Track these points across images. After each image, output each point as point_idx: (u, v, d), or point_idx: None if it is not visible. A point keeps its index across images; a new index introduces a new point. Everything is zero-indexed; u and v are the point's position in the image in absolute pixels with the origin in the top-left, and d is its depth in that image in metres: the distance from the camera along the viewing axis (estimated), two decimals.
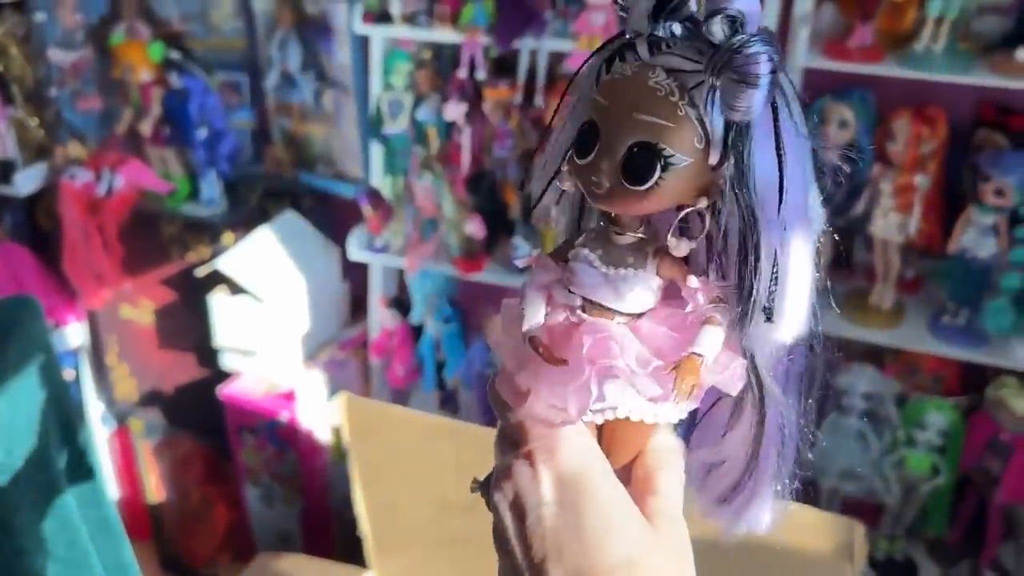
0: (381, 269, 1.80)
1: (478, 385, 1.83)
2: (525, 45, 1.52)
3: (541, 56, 1.53)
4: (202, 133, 1.79)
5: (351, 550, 1.56)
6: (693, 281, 0.52)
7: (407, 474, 1.43)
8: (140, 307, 1.93)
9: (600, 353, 0.52)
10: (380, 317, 1.83)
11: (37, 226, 2.03)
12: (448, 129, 1.65)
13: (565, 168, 0.54)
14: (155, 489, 2.12)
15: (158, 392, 2.04)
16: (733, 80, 0.46)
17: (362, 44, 1.68)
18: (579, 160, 0.51)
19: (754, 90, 0.47)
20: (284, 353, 1.81)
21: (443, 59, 1.66)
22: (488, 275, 1.67)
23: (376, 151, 1.73)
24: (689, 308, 0.52)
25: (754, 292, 0.50)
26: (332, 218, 1.93)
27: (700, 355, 0.50)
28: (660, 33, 0.49)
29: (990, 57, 1.36)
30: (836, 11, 1.47)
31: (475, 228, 1.64)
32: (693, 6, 0.49)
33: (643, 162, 0.48)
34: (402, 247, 1.72)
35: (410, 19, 1.58)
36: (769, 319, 0.49)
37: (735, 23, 0.47)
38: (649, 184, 0.48)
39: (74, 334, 2.03)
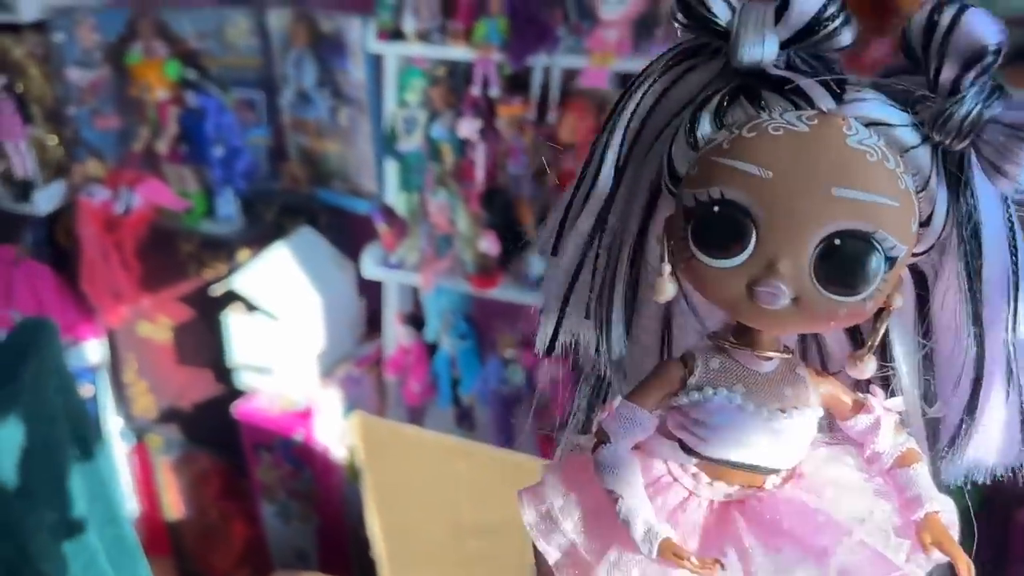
0: (396, 286, 1.80)
1: (494, 402, 1.82)
2: (538, 62, 1.52)
3: (554, 73, 1.53)
4: (218, 151, 1.80)
5: (367, 568, 1.55)
6: (875, 404, 0.39)
7: (421, 494, 1.42)
8: (158, 324, 1.94)
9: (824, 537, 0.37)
10: (395, 334, 1.83)
11: (56, 244, 2.05)
12: (462, 146, 1.65)
13: (667, 268, 0.38)
14: (173, 505, 2.13)
15: (176, 409, 2.04)
16: (1019, 137, 0.34)
17: (376, 61, 1.68)
18: (710, 258, 0.35)
19: None
20: (299, 370, 1.81)
21: (457, 76, 1.66)
22: (503, 291, 1.66)
23: (391, 168, 1.73)
24: (882, 444, 0.39)
25: (974, 411, 0.38)
26: (347, 234, 1.93)
27: (938, 511, 0.37)
28: (799, 67, 0.36)
29: (1011, 69, 1.34)
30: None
31: (489, 244, 1.63)
32: (850, 33, 0.36)
33: (857, 260, 0.34)
34: (417, 263, 1.72)
35: (424, 37, 1.58)
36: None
37: (978, 61, 0.34)
38: (868, 291, 0.34)
39: (93, 351, 2.04)
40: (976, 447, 0.40)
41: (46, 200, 1.90)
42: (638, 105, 0.38)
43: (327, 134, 1.84)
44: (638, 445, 0.39)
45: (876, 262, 0.34)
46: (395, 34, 1.60)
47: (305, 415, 1.80)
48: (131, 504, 2.09)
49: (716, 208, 0.34)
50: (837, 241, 0.33)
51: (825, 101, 0.35)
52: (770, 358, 0.38)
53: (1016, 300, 0.37)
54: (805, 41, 0.35)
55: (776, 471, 0.39)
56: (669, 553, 0.36)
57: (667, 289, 0.38)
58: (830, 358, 0.42)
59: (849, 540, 0.37)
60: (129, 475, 2.14)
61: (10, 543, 1.10)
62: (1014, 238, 0.37)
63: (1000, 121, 0.34)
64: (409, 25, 1.57)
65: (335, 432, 1.83)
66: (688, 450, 0.39)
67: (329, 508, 1.87)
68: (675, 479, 0.39)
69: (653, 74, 0.39)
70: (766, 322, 0.36)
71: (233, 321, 1.77)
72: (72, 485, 1.23)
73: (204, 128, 1.77)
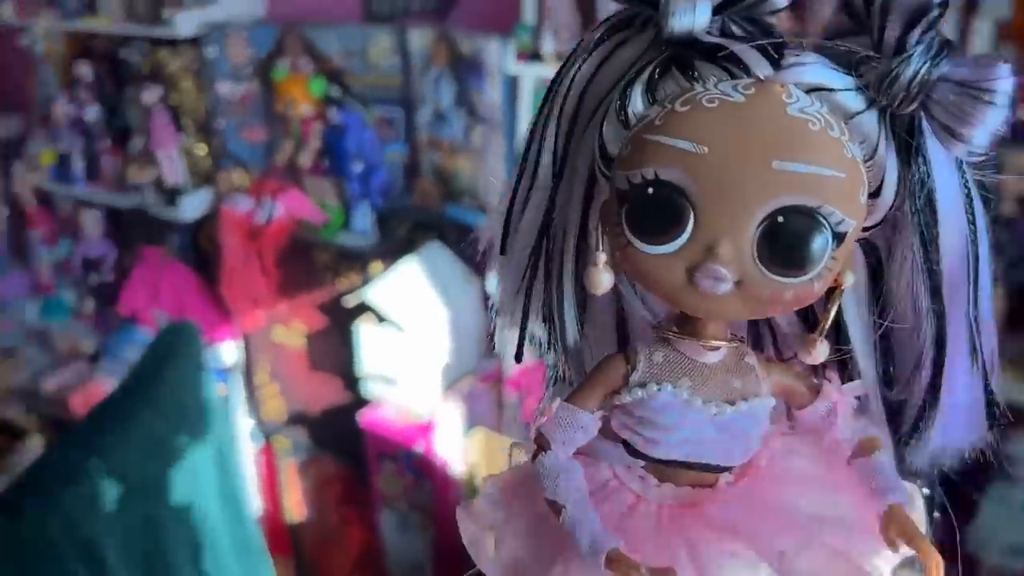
0: None
1: None
2: None
3: None
4: (358, 166, 1.85)
5: None
6: (832, 390, 0.37)
7: None
8: (292, 330, 2.01)
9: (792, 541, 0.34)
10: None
11: (199, 249, 2.15)
12: None
13: (601, 257, 0.35)
14: (295, 507, 2.19)
15: (304, 413, 2.11)
16: (974, 97, 0.31)
17: (513, 82, 1.69)
18: (647, 245, 0.33)
19: (1001, 109, 0.32)
20: (424, 383, 1.83)
21: None
22: None
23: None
24: (841, 431, 0.37)
25: (937, 392, 0.36)
26: (475, 250, 1.95)
27: (903, 501, 0.35)
28: (735, 34, 0.33)
29: None
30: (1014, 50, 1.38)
31: None
32: None
33: (802, 237, 0.31)
34: None
35: (561, 58, 1.58)
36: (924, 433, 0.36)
37: (921, 18, 0.31)
38: (816, 270, 0.32)
39: (228, 352, 2.13)
40: (941, 430, 0.37)
41: (193, 207, 1.99)
42: (571, 86, 0.36)
43: (460, 152, 1.86)
44: (581, 449, 0.37)
45: (823, 239, 0.31)
46: (533, 56, 1.61)
47: (427, 428, 1.82)
48: (256, 503, 2.16)
49: (650, 190, 0.32)
50: (780, 219, 0.31)
51: (762, 67, 0.32)
52: (716, 347, 0.36)
53: (976, 271, 0.35)
54: (738, 5, 0.33)
55: (728, 469, 0.37)
56: (618, 565, 0.33)
57: (602, 280, 0.35)
58: (784, 342, 0.39)
59: (809, 541, 0.35)
60: (255, 475, 2.22)
61: (149, 537, 1.15)
62: (971, 204, 0.35)
63: (951, 79, 0.32)
64: (548, 47, 1.58)
65: (455, 446, 1.85)
66: (634, 452, 0.37)
67: (446, 522, 1.89)
68: (622, 483, 0.37)
69: (584, 52, 0.36)
70: (709, 309, 0.34)
71: (363, 331, 1.81)
72: (205, 483, 1.28)
73: (345, 144, 1.82)
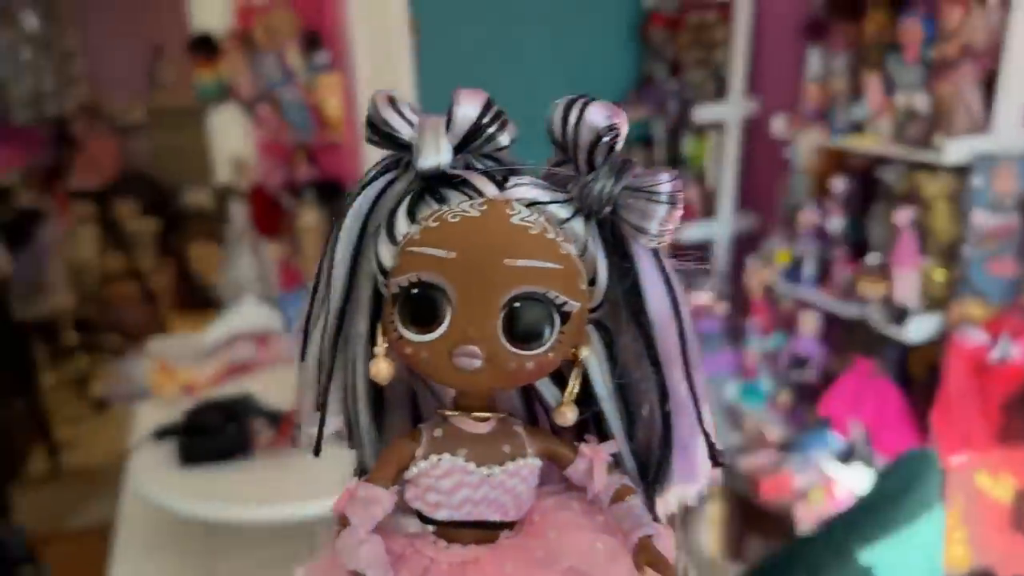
0: None
1: None
2: None
3: None
4: None
5: None
6: (587, 449, 0.44)
7: None
8: (999, 481, 1.85)
9: None
10: None
11: (909, 371, 2.11)
12: None
13: (380, 350, 0.42)
14: None
15: (990, 572, 1.92)
16: (648, 199, 0.40)
17: None
18: (416, 335, 0.40)
19: (674, 208, 0.40)
20: None
21: None
22: None
23: None
24: (598, 484, 0.43)
25: (670, 442, 0.43)
26: None
27: (652, 533, 0.41)
28: (476, 167, 0.42)
29: None
30: None
31: None
32: (506, 135, 0.42)
33: (535, 317, 0.39)
34: None
35: None
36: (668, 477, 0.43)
37: (599, 142, 0.40)
38: (550, 343, 0.40)
39: None
40: (681, 475, 0.44)
41: (918, 329, 1.96)
42: (356, 213, 0.43)
43: None
44: (382, 526, 0.42)
45: (551, 317, 0.39)
46: None
47: None
48: None
49: (415, 290, 0.39)
50: (517, 304, 0.39)
51: (489, 189, 0.41)
52: (486, 419, 0.42)
53: (683, 337, 0.42)
54: (471, 145, 0.42)
55: (506, 524, 0.42)
56: None
57: (381, 369, 0.41)
58: (552, 414, 0.45)
59: (561, 569, 0.40)
60: None
61: None
62: (670, 286, 0.42)
63: (639, 188, 0.40)
64: None
65: None
66: (424, 518, 0.42)
67: None
68: (416, 550, 0.42)
69: (360, 187, 0.43)
70: (469, 382, 0.40)
71: None
72: None
73: None
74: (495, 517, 0.43)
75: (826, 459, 2.22)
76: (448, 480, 0.42)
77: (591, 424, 0.45)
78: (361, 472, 0.48)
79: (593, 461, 0.44)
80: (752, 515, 2.27)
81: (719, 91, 2.68)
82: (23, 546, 1.33)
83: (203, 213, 4.80)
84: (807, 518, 2.11)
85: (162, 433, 1.39)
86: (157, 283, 4.17)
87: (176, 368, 1.65)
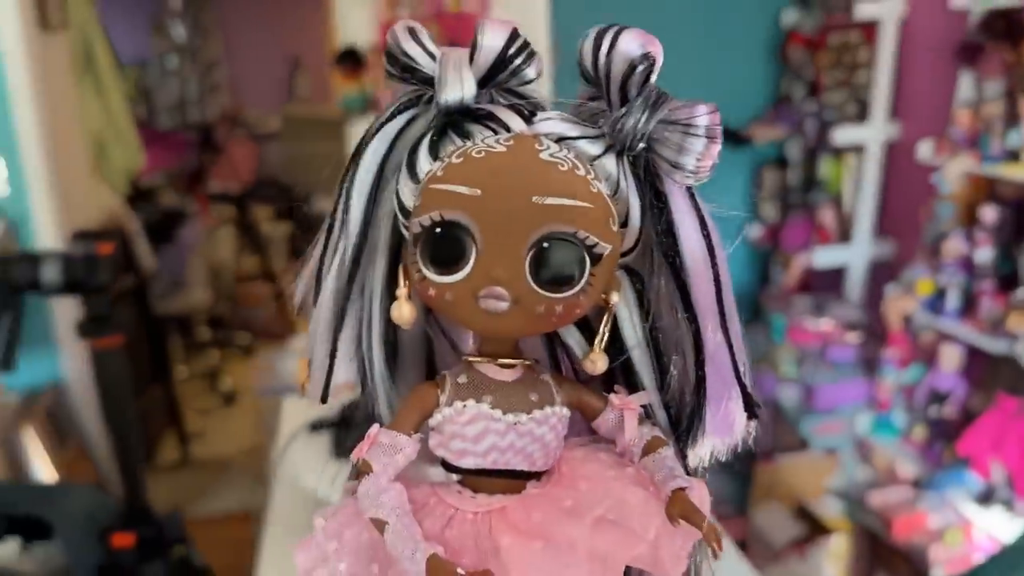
0: None
1: None
2: None
3: None
4: None
5: None
6: (616, 400, 0.42)
7: None
8: None
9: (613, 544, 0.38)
10: None
11: None
12: None
13: (403, 291, 0.40)
14: None
15: None
16: (682, 132, 0.37)
17: None
18: (440, 276, 0.38)
19: (712, 142, 0.37)
20: None
21: None
22: None
23: None
24: (628, 436, 0.41)
25: (704, 394, 0.40)
26: None
27: (686, 486, 0.39)
28: (501, 100, 0.40)
29: None
30: None
31: None
32: (533, 69, 0.40)
33: (565, 258, 0.38)
34: None
35: None
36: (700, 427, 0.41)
37: (633, 73, 0.37)
38: (580, 286, 0.38)
39: None
40: (713, 427, 0.41)
41: None
42: (374, 152, 0.41)
43: None
44: (405, 475, 0.40)
45: (581, 259, 0.37)
46: None
47: None
48: None
49: (438, 230, 0.37)
50: (545, 244, 0.37)
51: (516, 123, 0.39)
52: (512, 366, 0.41)
53: (719, 283, 0.39)
54: (496, 79, 0.39)
55: (533, 475, 0.41)
56: (437, 569, 0.36)
57: (404, 312, 0.40)
58: (579, 364, 0.43)
59: (591, 519, 0.38)
60: None
61: None
62: (706, 228, 0.39)
63: (675, 121, 0.37)
64: None
65: None
66: (449, 467, 0.41)
67: None
68: (440, 499, 0.41)
69: (377, 126, 0.41)
70: (496, 326, 0.38)
71: None
72: None
73: None
74: (522, 466, 0.41)
75: (963, 500, 2.12)
76: (473, 427, 0.41)
77: (619, 374, 0.44)
78: (374, 420, 0.46)
79: (624, 412, 0.42)
80: (882, 552, 2.19)
81: (860, 113, 2.61)
82: (179, 528, 1.40)
83: None
84: (942, 560, 2.02)
85: (317, 426, 1.45)
86: (287, 285, 4.33)
87: None
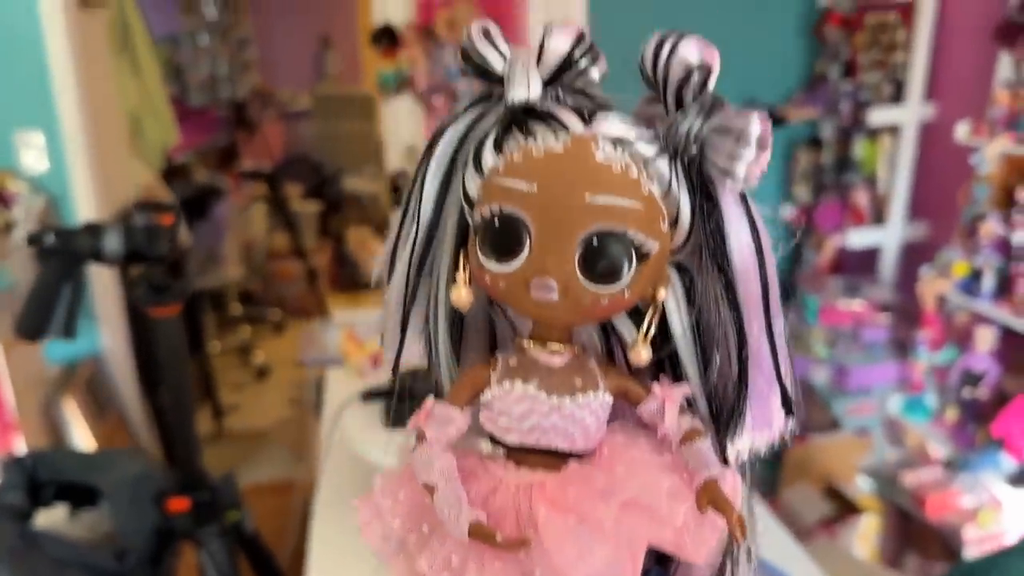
0: None
1: None
2: None
3: None
4: None
5: None
6: (659, 389, 0.44)
7: None
8: None
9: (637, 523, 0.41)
10: None
11: None
12: None
13: (461, 277, 0.43)
14: None
15: None
16: (734, 140, 0.38)
17: None
18: (496, 265, 0.41)
19: (762, 151, 0.38)
20: None
21: None
22: None
23: None
24: (668, 424, 0.43)
25: (745, 389, 0.42)
26: None
27: (717, 477, 0.40)
28: (566, 100, 0.41)
29: None
30: None
31: None
32: (597, 70, 0.42)
33: (612, 255, 0.40)
34: None
35: None
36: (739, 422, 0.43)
37: (689, 79, 0.38)
38: (625, 281, 0.40)
39: None
40: (754, 421, 0.44)
41: None
42: (447, 143, 0.43)
43: None
44: (458, 445, 0.43)
45: (629, 256, 0.39)
46: None
47: None
48: None
49: (496, 221, 0.40)
50: (595, 241, 0.39)
51: (575, 124, 0.40)
52: (560, 352, 0.43)
53: (766, 284, 0.41)
54: (561, 79, 0.41)
55: (573, 454, 0.43)
56: (478, 534, 0.40)
57: (463, 295, 0.43)
58: (627, 352, 0.44)
59: (621, 501, 0.40)
60: None
61: None
62: (756, 232, 0.41)
63: (728, 128, 0.38)
64: None
65: None
66: (496, 442, 0.44)
67: None
68: (487, 470, 0.43)
69: (452, 119, 0.44)
70: (545, 314, 0.41)
71: None
72: None
73: None
74: (562, 446, 0.43)
75: (996, 481, 2.12)
76: (519, 406, 0.43)
77: (667, 365, 0.45)
78: (438, 394, 0.49)
79: (665, 401, 0.43)
80: (914, 532, 2.20)
81: (896, 94, 2.59)
82: (233, 493, 1.44)
83: (360, 198, 4.99)
84: (975, 540, 2.02)
85: (369, 395, 1.48)
86: (318, 262, 4.37)
87: (364, 339, 1.75)
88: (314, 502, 1.31)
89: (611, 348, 0.47)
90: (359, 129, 5.32)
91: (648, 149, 0.41)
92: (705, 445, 0.43)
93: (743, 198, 0.41)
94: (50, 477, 1.52)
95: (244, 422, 3.58)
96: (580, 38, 0.41)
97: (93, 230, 1.14)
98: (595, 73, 0.42)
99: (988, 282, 2.16)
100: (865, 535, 2.30)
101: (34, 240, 1.15)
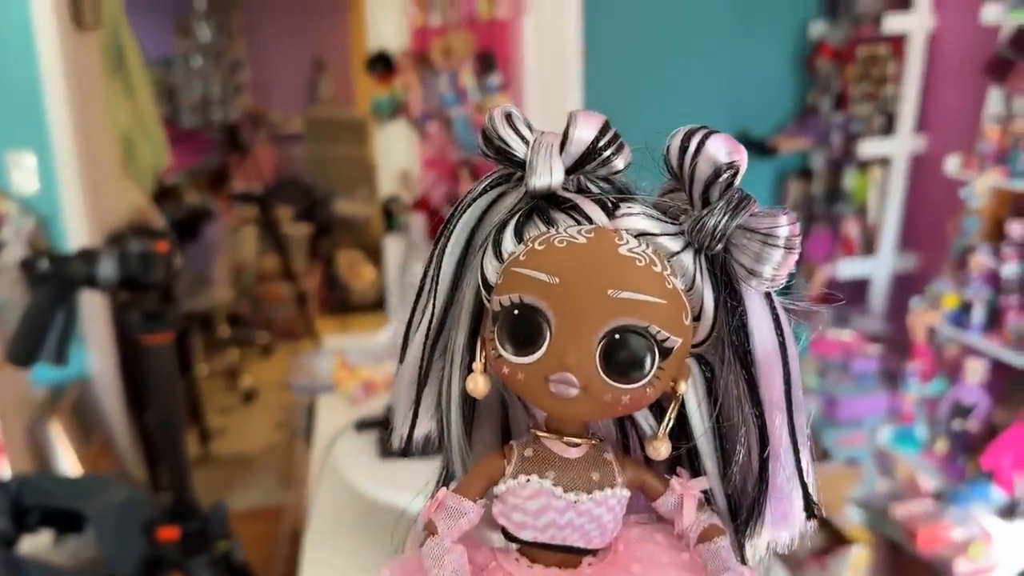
0: None
1: None
2: None
3: None
4: None
5: None
6: (677, 484, 0.43)
7: None
8: None
9: None
10: None
11: None
12: None
13: (478, 365, 0.42)
14: None
15: None
16: (763, 242, 0.38)
17: None
18: (515, 356, 0.39)
19: (790, 253, 0.38)
20: None
21: None
22: None
23: None
24: (687, 521, 0.42)
25: (765, 487, 0.41)
26: None
27: None
28: (590, 188, 0.41)
29: None
30: None
31: None
32: (621, 160, 0.41)
33: (634, 350, 0.38)
34: None
35: None
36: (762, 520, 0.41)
37: (719, 176, 0.38)
38: (648, 378, 0.39)
39: None
40: (773, 520, 0.42)
41: None
42: (466, 223, 0.42)
43: None
44: (469, 536, 0.42)
45: (651, 353, 0.38)
46: None
47: None
48: None
49: (516, 311, 0.39)
50: (616, 336, 0.37)
51: (598, 216, 0.40)
52: (577, 444, 0.42)
53: (788, 382, 0.40)
54: (584, 168, 0.40)
55: (589, 551, 0.42)
56: None
57: (478, 384, 0.41)
58: (646, 446, 0.43)
59: None
60: None
61: None
62: (780, 328, 0.40)
63: (755, 229, 0.38)
64: None
65: None
66: (510, 536, 0.42)
67: None
68: (499, 565, 0.42)
69: (471, 199, 0.43)
70: (564, 410, 0.39)
71: None
72: None
73: None
74: (579, 543, 0.42)
75: (987, 513, 2.12)
76: (535, 502, 0.42)
77: (685, 457, 0.44)
78: (447, 477, 0.48)
79: (683, 497, 0.43)
80: (904, 564, 2.20)
81: (887, 126, 2.62)
82: (223, 522, 1.42)
83: (352, 221, 4.99)
84: (966, 573, 2.02)
85: (363, 424, 1.46)
86: (307, 285, 4.36)
87: (355, 366, 1.74)
88: (305, 530, 1.30)
89: (627, 436, 0.46)
90: (351, 153, 5.33)
91: (672, 243, 0.40)
92: (724, 544, 0.42)
93: (767, 295, 0.41)
94: (35, 502, 1.50)
95: (231, 446, 3.55)
96: (605, 128, 0.40)
97: (87, 256, 1.13)
98: (619, 163, 0.41)
99: (978, 314, 2.17)
100: (855, 567, 2.29)
101: (27, 266, 1.15)
